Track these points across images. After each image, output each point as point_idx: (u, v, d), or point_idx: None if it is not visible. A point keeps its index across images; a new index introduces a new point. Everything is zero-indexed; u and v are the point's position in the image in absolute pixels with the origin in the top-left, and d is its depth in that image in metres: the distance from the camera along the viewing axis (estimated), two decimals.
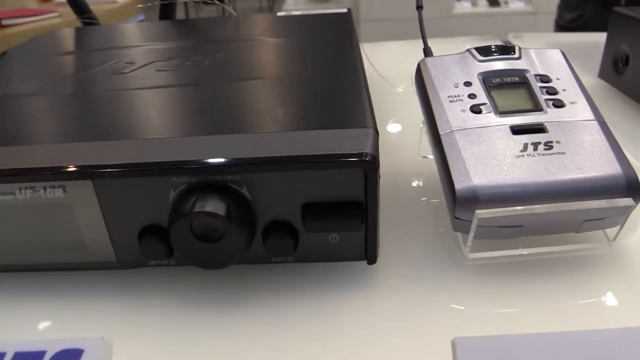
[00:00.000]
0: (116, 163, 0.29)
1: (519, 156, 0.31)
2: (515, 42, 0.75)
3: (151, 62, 0.46)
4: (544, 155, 0.31)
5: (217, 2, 0.64)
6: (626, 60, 0.54)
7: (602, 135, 0.32)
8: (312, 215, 0.30)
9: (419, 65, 0.38)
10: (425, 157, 0.44)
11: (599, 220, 0.31)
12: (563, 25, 1.41)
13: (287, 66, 0.43)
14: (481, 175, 0.30)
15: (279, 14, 0.61)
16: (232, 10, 0.63)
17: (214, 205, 0.29)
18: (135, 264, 0.33)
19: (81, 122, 0.36)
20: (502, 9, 2.38)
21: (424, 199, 0.40)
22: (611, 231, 0.33)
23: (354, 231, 0.30)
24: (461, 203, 0.30)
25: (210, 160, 0.29)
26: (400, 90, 0.60)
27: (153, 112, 0.36)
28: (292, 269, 0.33)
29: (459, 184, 0.31)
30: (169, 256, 0.32)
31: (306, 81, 0.39)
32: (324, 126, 0.31)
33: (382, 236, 0.34)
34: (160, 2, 0.72)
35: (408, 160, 0.45)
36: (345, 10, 0.59)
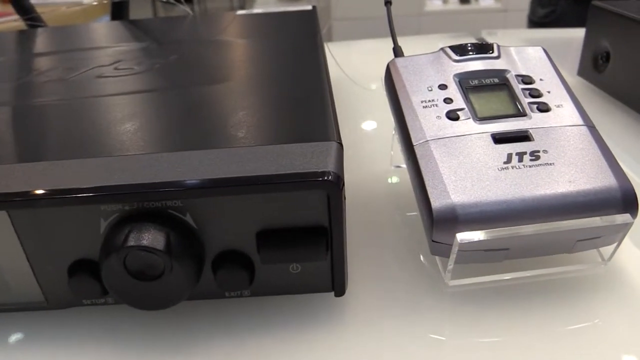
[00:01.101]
0: (33, 190, 0.25)
1: (502, 169, 0.27)
2: (489, 39, 0.72)
3: (92, 68, 0.41)
4: (530, 167, 0.28)
5: (174, 2, 0.59)
6: (607, 57, 0.51)
7: (594, 143, 0.29)
8: (268, 244, 0.26)
9: (388, 66, 0.34)
10: (399, 166, 0.41)
11: (594, 239, 0.28)
12: (536, 21, 1.40)
13: (241, 70, 0.38)
14: (461, 192, 0.27)
15: (239, 12, 0.57)
16: (188, 10, 0.59)
17: (151, 238, 0.24)
18: (67, 304, 0.29)
19: None
20: (472, 6, 2.37)
21: (397, 214, 0.37)
22: (606, 249, 0.29)
23: (318, 261, 0.26)
24: (439, 224, 0.26)
25: (146, 184, 0.25)
26: (370, 92, 0.56)
27: (84, 126, 0.31)
28: (249, 303, 0.29)
29: (436, 202, 0.27)
30: (105, 294, 0.27)
31: (262, 88, 0.35)
32: (279, 140, 0.27)
33: (351, 259, 0.30)
34: (112, 1, 0.67)
35: (379, 170, 0.41)
36: (310, 7, 0.55)
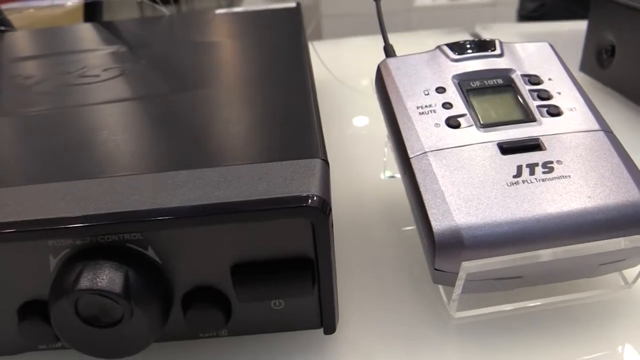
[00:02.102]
0: None
1: (512, 184, 0.24)
2: (484, 34, 0.69)
3: (54, 76, 0.37)
4: (543, 180, 0.24)
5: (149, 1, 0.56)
6: (612, 51, 0.47)
7: (612, 150, 0.25)
8: (245, 279, 0.22)
9: (379, 68, 0.31)
10: (393, 176, 0.37)
11: (618, 262, 0.24)
12: (525, 15, 1.37)
13: (216, 76, 0.35)
14: (466, 212, 0.23)
15: (218, 11, 0.53)
16: (163, 9, 0.55)
17: (106, 279, 0.21)
18: (20, 349, 0.25)
19: None
20: (462, 1, 2.34)
21: (393, 231, 0.33)
22: (629, 271, 0.26)
23: (303, 297, 0.23)
24: (442, 250, 0.23)
25: (98, 215, 0.21)
26: (360, 93, 0.52)
27: (33, 147, 0.27)
28: (226, 343, 0.26)
29: (438, 225, 0.23)
30: (59, 339, 0.24)
31: (237, 96, 0.31)
32: (255, 158, 0.23)
33: (342, 287, 0.27)
34: (85, 2, 0.63)
35: (372, 181, 0.37)
36: (293, 4, 0.52)
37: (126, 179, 0.23)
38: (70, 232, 0.21)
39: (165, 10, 0.56)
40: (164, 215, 0.21)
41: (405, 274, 0.29)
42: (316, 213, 0.21)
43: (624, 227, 0.23)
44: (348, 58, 0.65)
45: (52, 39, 0.51)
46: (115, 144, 0.26)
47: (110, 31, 0.53)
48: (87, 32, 0.52)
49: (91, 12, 0.63)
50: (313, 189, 0.21)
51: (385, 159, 0.38)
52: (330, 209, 0.21)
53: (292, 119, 0.26)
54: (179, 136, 0.26)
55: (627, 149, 0.26)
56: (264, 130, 0.26)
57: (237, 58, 0.38)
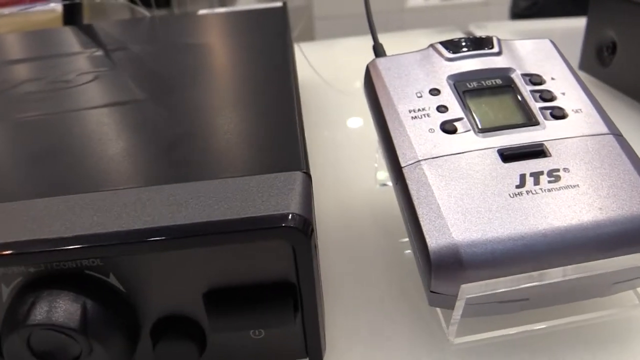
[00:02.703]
0: None
1: (515, 195, 0.22)
2: (478, 33, 0.67)
3: (21, 83, 0.35)
4: (549, 191, 0.22)
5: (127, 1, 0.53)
6: (613, 49, 0.45)
7: (623, 156, 0.23)
8: (219, 307, 0.20)
9: (367, 68, 0.29)
10: (386, 184, 0.35)
11: (634, 280, 0.22)
12: (518, 13, 1.36)
13: (191, 81, 0.32)
14: (464, 227, 0.21)
15: (200, 12, 0.50)
16: (144, 11, 0.53)
17: (62, 311, 0.19)
18: None
19: None
20: (454, 0, 2.32)
21: (386, 243, 0.31)
22: None
23: (285, 326, 0.20)
24: (439, 271, 0.21)
25: (52, 239, 0.19)
26: (350, 95, 0.50)
27: None
28: None
29: (433, 242, 0.21)
30: None
31: (213, 102, 0.29)
32: (230, 171, 0.21)
33: (330, 308, 0.24)
34: (63, 3, 0.60)
35: (363, 190, 0.35)
36: (279, 4, 0.49)
37: (84, 197, 0.20)
38: (21, 258, 0.19)
39: (145, 11, 0.53)
40: (124, 239, 0.19)
41: (399, 292, 0.27)
42: (296, 234, 0.18)
43: (639, 241, 0.21)
44: (339, 59, 0.63)
45: (24, 44, 0.48)
46: (78, 157, 0.24)
47: (88, 34, 0.50)
48: (63, 36, 0.50)
49: (70, 14, 0.60)
50: (292, 207, 0.19)
51: (376, 165, 0.35)
52: (313, 229, 0.19)
53: (272, 127, 0.24)
54: (146, 148, 0.24)
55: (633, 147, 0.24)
56: (240, 140, 0.23)
57: (216, 61, 0.35)
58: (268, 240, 0.19)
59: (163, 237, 0.18)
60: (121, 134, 0.25)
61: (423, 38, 0.67)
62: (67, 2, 0.59)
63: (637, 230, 0.21)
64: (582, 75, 0.50)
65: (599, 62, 0.47)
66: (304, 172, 0.20)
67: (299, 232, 0.18)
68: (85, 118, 0.28)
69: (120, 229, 0.19)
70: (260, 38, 0.40)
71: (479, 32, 0.67)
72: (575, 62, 0.50)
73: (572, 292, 0.22)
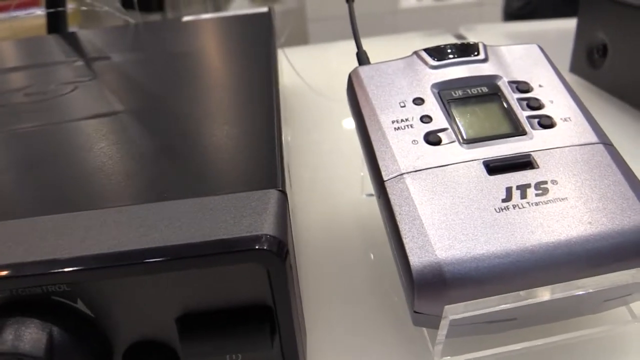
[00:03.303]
0: None
1: (501, 209, 0.21)
2: (469, 35, 0.66)
3: None
4: (537, 204, 0.21)
5: (105, 7, 0.52)
6: (604, 51, 0.45)
7: (614, 166, 0.22)
8: (192, 332, 0.19)
9: (350, 77, 0.28)
10: (371, 194, 0.34)
11: (625, 297, 0.21)
12: (512, 13, 1.35)
13: (167, 91, 0.31)
14: (449, 244, 0.20)
15: (185, 19, 0.50)
16: (128, 18, 0.52)
17: (27, 339, 0.18)
18: None
19: None
20: (448, 1, 2.32)
21: (372, 257, 0.30)
22: (637, 304, 0.23)
23: (261, 350, 0.20)
24: (422, 291, 0.20)
25: (15, 264, 0.18)
26: (337, 102, 0.49)
27: None
28: None
29: (416, 260, 0.20)
30: None
31: (186, 114, 0.27)
32: (201, 189, 0.20)
33: (311, 324, 0.23)
34: (46, 11, 0.59)
35: (348, 200, 0.34)
36: (265, 9, 0.48)
37: (48, 219, 0.19)
38: None
39: (129, 18, 0.52)
40: (89, 265, 0.18)
41: (386, 310, 0.26)
42: (270, 257, 0.17)
43: (632, 257, 0.20)
44: (328, 64, 0.62)
45: (4, 53, 0.47)
46: (44, 176, 0.23)
47: (70, 43, 0.49)
48: (44, 45, 0.49)
49: (54, 22, 0.59)
50: (266, 228, 0.18)
51: (362, 174, 0.35)
52: (288, 251, 0.18)
53: (248, 142, 0.23)
54: (115, 165, 0.23)
55: (625, 157, 0.23)
56: (213, 156, 0.22)
57: (195, 71, 0.34)
58: (241, 263, 0.18)
59: (129, 262, 0.17)
60: (89, 151, 0.24)
61: (412, 41, 0.66)
62: (50, 10, 0.58)
63: (628, 244, 0.20)
64: (573, 77, 0.49)
65: (590, 64, 0.47)
66: (279, 190, 0.19)
67: (273, 255, 0.17)
68: (52, 133, 0.27)
69: (84, 254, 0.18)
70: (243, 46, 0.39)
71: (469, 35, 0.66)
72: (567, 64, 0.50)
73: (562, 311, 0.21)
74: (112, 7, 0.55)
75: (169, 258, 0.17)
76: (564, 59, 0.50)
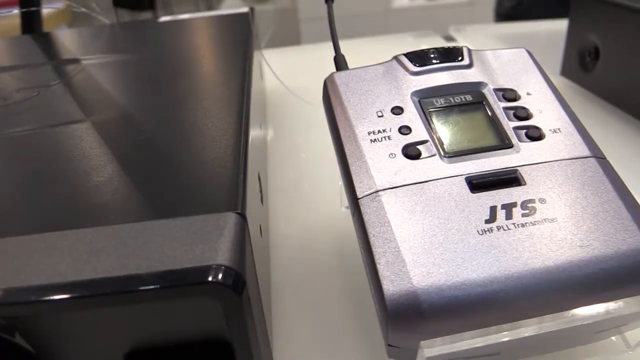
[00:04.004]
0: None
1: (484, 231, 0.19)
2: (458, 37, 0.64)
3: None
4: (523, 226, 0.19)
5: (74, 6, 0.50)
6: (596, 54, 0.43)
7: (607, 183, 0.21)
8: None
9: (325, 83, 0.26)
10: None
11: (619, 327, 0.19)
12: (503, 13, 1.34)
13: (129, 98, 0.29)
14: (427, 271, 0.18)
15: (163, 19, 0.47)
16: (104, 19, 0.50)
17: None
18: None
19: None
20: (439, 1, 2.31)
21: (351, 278, 0.28)
22: (631, 332, 0.21)
23: None
24: (396, 322, 0.18)
25: None
26: (318, 107, 0.47)
27: None
28: None
29: (390, 288, 0.18)
30: None
31: (142, 124, 0.25)
32: (151, 212, 0.18)
33: (279, 352, 0.22)
34: (20, 11, 0.57)
35: (326, 213, 0.32)
36: (245, 10, 0.46)
37: None
38: None
39: (105, 19, 0.50)
40: (24, 297, 0.16)
41: (362, 338, 0.24)
42: (224, 291, 0.15)
43: (627, 284, 0.18)
44: (318, 65, 0.60)
45: None
46: None
47: (42, 45, 0.47)
48: (14, 47, 0.47)
49: (28, 22, 0.57)
50: (220, 257, 0.16)
51: (340, 184, 0.33)
52: (245, 284, 0.16)
53: (207, 155, 0.21)
54: (60, 183, 0.21)
55: (618, 168, 0.22)
56: (167, 172, 0.20)
57: (163, 74, 0.32)
58: (191, 297, 0.16)
59: (66, 296, 0.16)
60: (34, 167, 0.22)
61: (401, 42, 0.64)
62: (25, 10, 0.56)
63: (623, 270, 0.18)
64: (564, 81, 0.47)
65: (582, 67, 0.45)
66: (238, 213, 0.17)
67: (228, 288, 0.15)
68: (4, 146, 0.25)
69: (20, 285, 0.16)
70: (219, 48, 0.37)
71: (459, 36, 0.65)
72: (557, 67, 0.48)
73: (551, 343, 0.19)
74: (89, 7, 0.53)
75: (108, 292, 0.15)
76: (555, 62, 0.48)
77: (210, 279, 0.15)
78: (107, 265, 0.16)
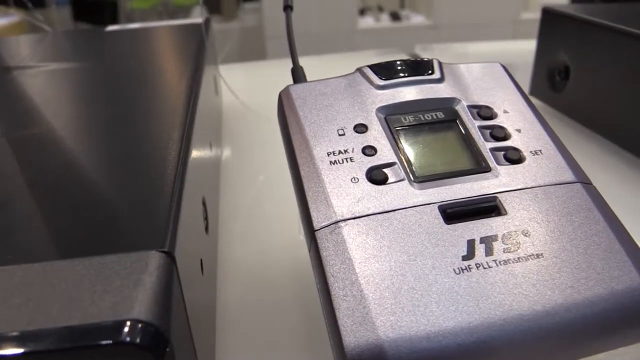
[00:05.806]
0: None
1: (462, 269, 0.16)
2: (424, 55, 0.63)
3: None
4: (506, 263, 0.17)
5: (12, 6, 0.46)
6: (565, 73, 0.41)
7: (596, 211, 0.18)
8: None
9: (280, 97, 0.23)
10: None
11: None
12: None
13: (55, 116, 0.25)
14: (395, 319, 0.15)
15: (109, 28, 0.44)
16: (44, 26, 0.46)
17: None
18: None
19: None
20: (404, 23, 2.33)
21: (308, 319, 0.25)
22: None
23: None
24: None
25: None
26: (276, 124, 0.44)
27: None
28: None
29: (351, 339, 0.15)
30: None
31: (66, 146, 0.22)
32: (55, 250, 0.15)
33: None
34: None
35: (284, 241, 0.29)
36: (199, 20, 0.43)
37: None
38: None
39: (47, 27, 0.46)
40: None
41: None
42: (141, 354, 0.12)
43: (624, 328, 0.16)
44: (279, 82, 0.58)
45: None
46: None
47: None
48: None
49: None
50: (137, 309, 0.12)
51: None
52: (169, 343, 0.12)
53: (134, 181, 0.18)
54: None
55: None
56: (83, 200, 0.17)
57: (98, 86, 0.29)
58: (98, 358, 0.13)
59: None
60: None
61: (366, 60, 0.62)
62: None
63: (620, 313, 0.16)
64: (533, 101, 0.46)
65: (551, 87, 0.43)
66: (164, 251, 0.14)
67: (145, 351, 0.12)
68: None
69: None
70: (167, 60, 0.34)
71: (426, 54, 0.63)
72: (527, 86, 0.47)
73: None
74: (34, 17, 0.49)
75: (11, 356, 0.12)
76: (524, 81, 0.47)
77: (121, 339, 0.12)
78: (20, 319, 0.12)
